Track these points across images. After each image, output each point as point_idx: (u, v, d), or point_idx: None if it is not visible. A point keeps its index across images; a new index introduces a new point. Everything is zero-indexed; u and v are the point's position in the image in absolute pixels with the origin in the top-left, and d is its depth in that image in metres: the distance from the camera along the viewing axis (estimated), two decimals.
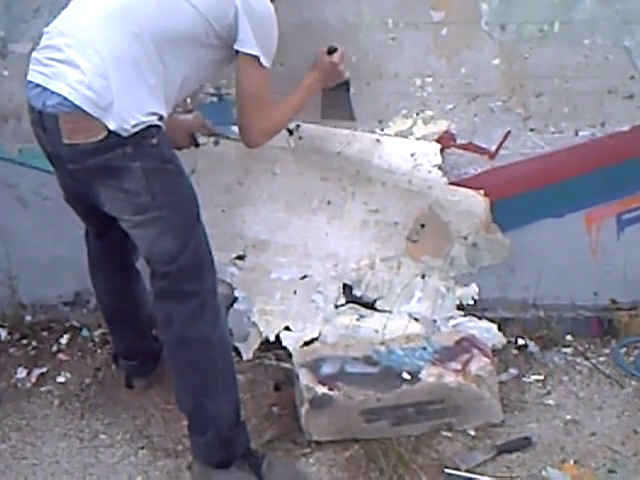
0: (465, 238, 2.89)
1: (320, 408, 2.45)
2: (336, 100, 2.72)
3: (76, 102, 2.02)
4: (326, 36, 2.68)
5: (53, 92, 2.05)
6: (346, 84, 2.69)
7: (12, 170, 2.95)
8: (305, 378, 2.51)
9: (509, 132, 2.84)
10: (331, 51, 2.57)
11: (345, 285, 2.97)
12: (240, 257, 2.95)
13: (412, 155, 2.83)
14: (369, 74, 2.78)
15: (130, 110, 2.06)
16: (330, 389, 2.46)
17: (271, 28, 2.27)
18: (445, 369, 2.53)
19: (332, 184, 2.88)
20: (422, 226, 2.90)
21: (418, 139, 2.85)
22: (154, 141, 2.11)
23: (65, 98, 2.03)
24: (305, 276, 2.95)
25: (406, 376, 2.51)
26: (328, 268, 2.95)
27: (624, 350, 3.00)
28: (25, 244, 3.05)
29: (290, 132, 2.81)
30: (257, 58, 2.24)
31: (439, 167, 2.83)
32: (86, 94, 2.02)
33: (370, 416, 2.47)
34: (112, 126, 2.03)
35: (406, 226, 2.91)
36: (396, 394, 2.47)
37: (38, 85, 2.10)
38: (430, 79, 2.76)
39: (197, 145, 2.67)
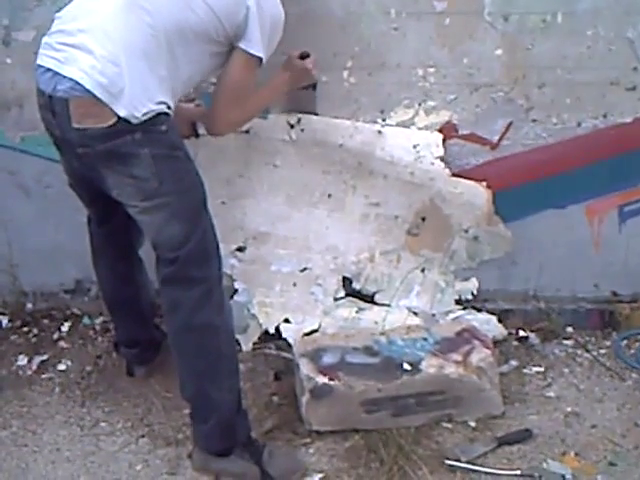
0: (466, 231, 2.89)
1: (320, 398, 2.45)
2: (303, 98, 2.77)
3: (87, 87, 2.02)
4: (329, 25, 2.68)
5: (65, 76, 2.06)
6: (314, 85, 2.73)
7: (14, 158, 2.94)
8: (306, 368, 2.52)
9: (511, 123, 2.83)
10: (304, 56, 2.59)
11: (345, 278, 2.97)
12: (240, 249, 2.95)
13: (414, 147, 2.82)
14: (371, 64, 2.77)
15: (141, 98, 2.07)
16: (331, 379, 2.47)
17: (277, 33, 2.31)
18: (446, 360, 2.53)
19: (333, 177, 2.88)
20: (423, 219, 2.90)
21: (420, 129, 2.84)
22: (163, 128, 2.12)
23: (77, 82, 2.03)
24: (305, 269, 2.95)
25: (407, 367, 2.52)
26: (328, 261, 2.95)
27: (625, 342, 3.01)
28: (27, 232, 3.05)
29: (291, 125, 2.80)
30: (258, 59, 2.27)
31: (441, 159, 2.82)
32: (98, 79, 2.03)
33: (370, 406, 2.47)
34: (122, 113, 2.04)
35: (406, 219, 2.90)
36: (396, 385, 2.47)
37: (49, 69, 2.10)
38: (432, 69, 2.75)
39: (197, 135, 2.68)
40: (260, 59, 2.27)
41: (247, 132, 2.76)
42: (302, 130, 2.82)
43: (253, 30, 2.22)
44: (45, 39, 2.19)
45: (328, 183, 2.89)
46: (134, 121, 2.05)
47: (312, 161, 2.86)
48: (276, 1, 2.28)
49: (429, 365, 2.52)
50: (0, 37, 2.77)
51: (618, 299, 3.07)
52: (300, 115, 2.80)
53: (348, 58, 2.77)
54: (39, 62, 2.15)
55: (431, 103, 2.81)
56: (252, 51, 2.25)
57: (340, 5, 2.67)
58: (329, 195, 2.90)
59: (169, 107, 2.16)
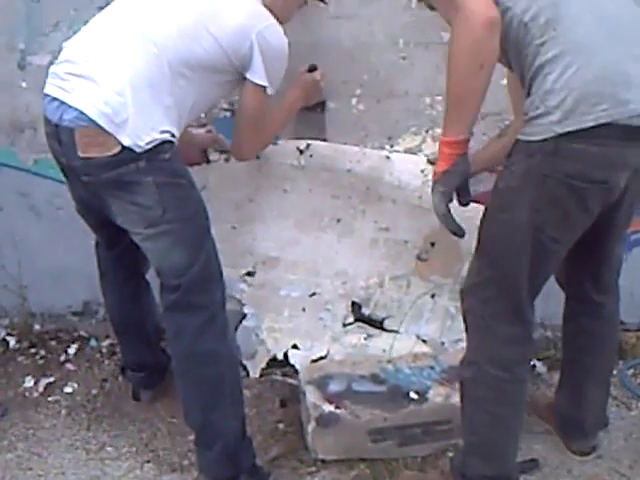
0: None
1: (326, 426, 2.45)
2: (313, 121, 2.80)
3: (92, 116, 2.05)
4: (339, 54, 2.71)
5: (70, 106, 2.08)
6: (323, 104, 2.76)
7: (26, 180, 2.97)
8: (312, 395, 2.51)
9: None
10: (312, 69, 2.63)
11: (354, 303, 2.97)
12: (250, 273, 2.96)
13: (422, 171, 2.82)
14: (380, 92, 2.80)
15: (144, 128, 2.09)
16: (337, 407, 2.46)
17: (282, 62, 2.34)
18: (453, 389, 2.51)
19: (342, 202, 2.89)
20: (432, 245, 2.90)
21: (427, 156, 2.85)
22: (167, 156, 2.14)
23: (82, 112, 2.06)
24: (314, 293, 2.96)
25: (413, 396, 2.51)
26: (337, 286, 2.95)
27: (631, 372, 3.01)
28: (37, 253, 3.07)
29: (300, 151, 2.81)
30: (264, 88, 2.31)
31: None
32: (102, 109, 2.05)
33: (376, 436, 2.46)
34: (126, 142, 2.06)
35: (416, 244, 2.91)
36: (403, 414, 2.47)
37: (55, 99, 2.13)
38: (439, 97, 2.77)
39: (208, 161, 2.70)
40: (266, 88, 2.31)
41: (257, 158, 2.78)
42: (311, 156, 2.83)
43: (257, 61, 2.25)
44: (52, 68, 2.22)
45: (337, 208, 2.90)
46: (138, 150, 2.07)
47: (321, 186, 2.88)
48: (280, 33, 2.30)
49: (436, 394, 2.52)
50: (16, 61, 2.81)
51: (624, 328, 3.05)
52: (309, 141, 2.82)
53: (357, 86, 2.80)
54: (46, 91, 2.18)
55: (438, 130, 2.81)
56: (257, 81, 2.28)
57: (350, 35, 2.70)
58: (338, 220, 2.91)
59: (173, 135, 2.17)
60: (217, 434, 2.30)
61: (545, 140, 1.89)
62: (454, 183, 2.01)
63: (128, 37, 2.15)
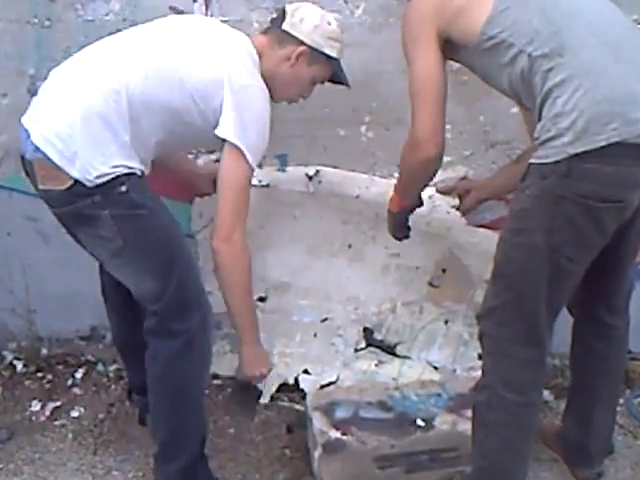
0: (487, 282, 2.88)
1: (333, 453, 2.44)
2: (246, 397, 2.76)
3: (44, 149, 2.08)
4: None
5: (30, 138, 2.12)
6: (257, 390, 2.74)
7: (35, 204, 2.91)
8: (319, 422, 2.51)
9: None
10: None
11: (366, 329, 2.98)
12: (262, 299, 2.97)
13: (430, 197, 2.84)
14: (388, 120, 2.82)
15: (92, 162, 2.09)
16: (344, 434, 2.46)
17: (262, 126, 2.24)
18: (459, 416, 2.53)
19: (352, 228, 2.91)
20: (443, 271, 2.91)
21: (434, 184, 2.86)
22: (123, 189, 2.13)
23: (38, 146, 2.10)
24: (326, 319, 2.97)
25: (420, 423, 2.51)
26: (349, 311, 2.96)
27: (638, 400, 3.00)
28: (45, 277, 3.08)
29: (310, 177, 2.84)
30: (240, 151, 2.20)
31: (457, 208, 2.84)
32: (53, 142, 2.08)
33: (383, 462, 2.45)
34: (75, 175, 2.08)
35: (427, 270, 2.92)
36: (410, 441, 2.46)
37: (26, 130, 2.16)
38: (449, 126, 2.75)
39: None
40: (242, 151, 2.20)
41: (267, 186, 2.79)
42: (320, 182, 2.85)
43: (226, 116, 2.19)
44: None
45: (347, 234, 2.92)
46: (88, 184, 2.09)
47: (331, 212, 2.90)
48: (261, 96, 2.24)
49: (443, 421, 2.52)
50: (25, 86, 2.82)
51: (632, 357, 3.05)
52: (318, 167, 2.84)
53: (366, 113, 2.83)
54: (22, 119, 2.21)
55: (447, 158, 2.81)
56: (224, 137, 2.20)
57: (359, 63, 2.71)
58: (349, 245, 2.93)
59: (131, 168, 2.15)
60: (179, 451, 2.33)
61: (558, 162, 1.92)
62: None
63: (92, 69, 2.17)
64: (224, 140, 2.21)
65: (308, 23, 2.33)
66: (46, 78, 2.74)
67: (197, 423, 2.38)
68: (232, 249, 2.26)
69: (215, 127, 2.21)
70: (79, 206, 2.12)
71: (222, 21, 2.61)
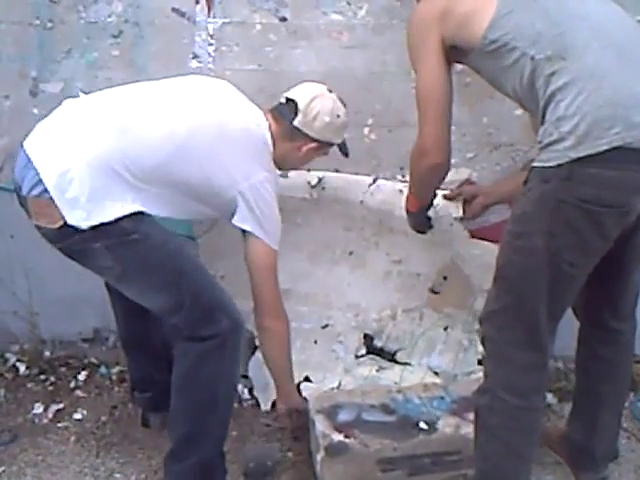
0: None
1: (336, 456, 2.43)
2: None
3: (46, 186, 2.08)
4: (352, 84, 2.72)
5: (31, 171, 2.12)
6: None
7: None
8: (321, 425, 2.50)
9: None
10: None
11: (366, 335, 2.97)
12: None
13: (434, 208, 2.82)
14: (392, 122, 2.83)
15: (92, 212, 2.10)
16: (346, 437, 2.44)
17: (273, 211, 2.39)
18: (462, 419, 2.51)
19: (355, 234, 2.90)
20: (444, 278, 2.91)
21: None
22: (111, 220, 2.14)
23: (40, 180, 2.09)
24: (326, 325, 2.96)
25: (423, 426, 2.50)
26: (349, 318, 2.96)
27: None
28: (48, 280, 3.07)
29: (312, 185, 2.84)
30: (262, 240, 2.36)
31: (460, 219, 2.83)
32: (58, 182, 2.08)
33: (386, 465, 2.44)
34: (70, 220, 2.08)
35: (428, 277, 2.91)
36: (412, 444, 2.45)
37: (27, 156, 2.16)
38: (452, 128, 2.77)
39: None
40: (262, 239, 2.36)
41: None
42: (323, 188, 2.84)
43: (242, 209, 2.32)
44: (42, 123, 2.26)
45: (350, 240, 2.92)
46: (80, 228, 2.10)
47: (333, 219, 2.89)
48: (273, 183, 2.38)
49: (446, 424, 2.51)
50: (28, 88, 2.84)
51: (636, 360, 3.03)
52: (321, 173, 2.83)
53: (369, 115, 2.83)
54: (24, 143, 2.21)
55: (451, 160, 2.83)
56: (246, 229, 2.34)
57: (362, 65, 2.72)
58: (351, 252, 2.92)
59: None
60: (196, 447, 2.31)
61: (560, 166, 1.91)
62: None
63: (113, 121, 2.18)
64: (244, 230, 2.36)
65: (320, 121, 2.44)
66: (48, 80, 2.79)
67: (220, 422, 2.36)
68: (283, 324, 2.49)
69: (228, 209, 2.33)
70: (69, 243, 2.15)
71: (224, 23, 2.63)
